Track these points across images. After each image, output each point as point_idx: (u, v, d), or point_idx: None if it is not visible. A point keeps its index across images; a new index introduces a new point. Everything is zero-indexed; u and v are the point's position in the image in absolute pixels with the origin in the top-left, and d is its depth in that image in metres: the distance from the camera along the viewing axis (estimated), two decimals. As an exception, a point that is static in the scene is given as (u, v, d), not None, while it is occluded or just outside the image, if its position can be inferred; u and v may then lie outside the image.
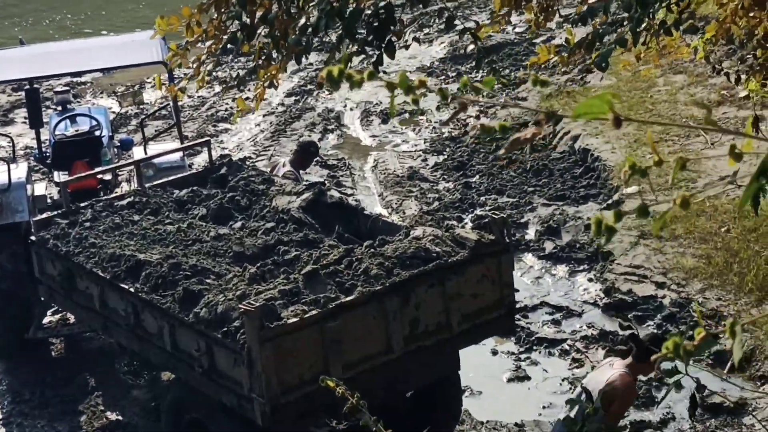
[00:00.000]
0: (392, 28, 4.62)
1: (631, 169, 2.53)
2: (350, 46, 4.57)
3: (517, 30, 24.04)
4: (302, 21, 4.29)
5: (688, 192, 2.77)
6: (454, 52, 24.04)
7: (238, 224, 10.98)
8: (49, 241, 10.93)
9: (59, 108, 15.16)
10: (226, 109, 21.75)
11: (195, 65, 4.64)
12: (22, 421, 11.82)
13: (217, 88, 23.35)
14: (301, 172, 12.68)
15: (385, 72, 23.04)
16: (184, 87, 4.59)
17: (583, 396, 7.94)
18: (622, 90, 19.02)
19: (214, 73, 20.04)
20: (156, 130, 16.56)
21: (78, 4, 33.57)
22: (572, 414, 6.62)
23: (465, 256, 9.52)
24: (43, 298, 11.92)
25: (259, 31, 4.52)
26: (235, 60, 25.01)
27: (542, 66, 5.60)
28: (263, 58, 4.50)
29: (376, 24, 4.62)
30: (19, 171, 12.87)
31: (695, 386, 5.22)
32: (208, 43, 4.74)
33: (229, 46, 4.77)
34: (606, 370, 8.61)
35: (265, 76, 3.90)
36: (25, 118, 17.27)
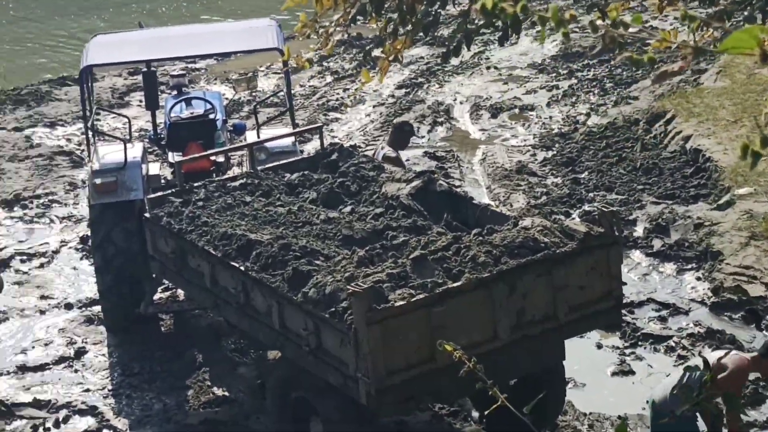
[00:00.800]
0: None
1: (743, 151, 2.54)
2: (477, 21, 4.57)
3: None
4: (432, -8, 4.37)
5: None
6: (566, 50, 23.93)
7: (348, 209, 11.09)
8: (163, 219, 11.14)
9: (175, 91, 15.43)
10: (336, 99, 21.92)
11: (323, 36, 4.73)
12: (131, 393, 12.09)
13: (329, 78, 23.55)
14: (400, 152, 12.83)
15: (496, 68, 22.86)
16: (311, 58, 4.67)
17: (702, 365, 7.93)
18: (736, 92, 18.78)
19: (326, 64, 20.13)
20: (268, 117, 16.75)
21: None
22: (686, 380, 6.60)
23: (573, 248, 9.50)
24: (154, 275, 12.15)
25: (387, 5, 4.57)
26: (348, 52, 25.19)
27: (664, 51, 5.56)
28: (390, 31, 4.56)
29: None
30: (135, 151, 13.12)
31: None
32: (336, 16, 4.81)
33: (358, 18, 4.84)
34: (725, 352, 8.72)
35: (391, 50, 3.96)
36: (141, 100, 17.59)
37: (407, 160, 18.00)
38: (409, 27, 4.57)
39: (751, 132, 16.60)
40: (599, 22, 2.61)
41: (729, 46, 2.43)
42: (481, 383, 3.81)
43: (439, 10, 4.65)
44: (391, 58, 3.95)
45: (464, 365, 3.79)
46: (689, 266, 13.88)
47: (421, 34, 3.99)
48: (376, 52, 5.95)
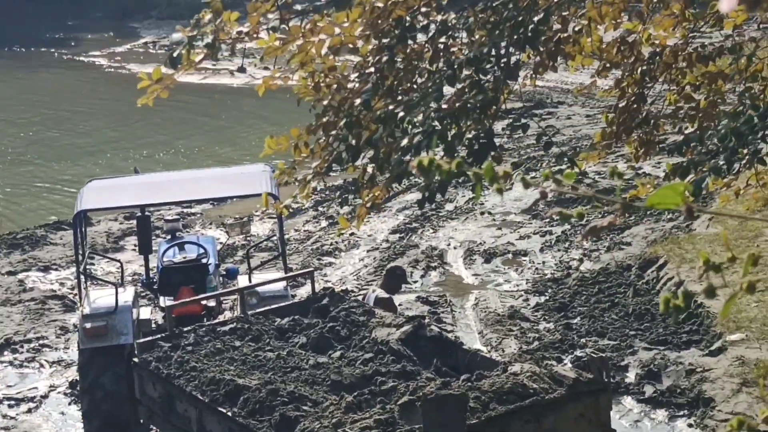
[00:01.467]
0: (492, 153, 4.73)
1: (705, 264, 2.60)
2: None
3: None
4: (404, 142, 4.44)
5: (755, 278, 2.82)
6: (560, 196, 24.14)
7: (338, 354, 11.08)
8: (152, 364, 11.11)
9: (168, 236, 15.54)
10: (331, 244, 22.03)
11: (301, 184, 4.81)
12: None
13: (324, 223, 23.69)
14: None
15: (490, 213, 23.00)
16: (289, 204, 4.74)
17: None
18: (729, 238, 18.88)
19: (321, 209, 20.27)
20: (262, 261, 16.83)
21: (190, 137, 34.50)
22: None
23: (562, 394, 9.48)
24: (142, 420, 12.07)
25: (363, 153, 4.67)
26: (344, 196, 25.40)
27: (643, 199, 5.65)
28: (367, 179, 4.65)
29: (476, 147, 4.75)
30: (126, 295, 13.17)
31: None
32: (315, 163, 4.91)
33: (334, 166, 4.94)
34: None
35: (368, 197, 4.02)
36: (135, 245, 17.69)
37: (400, 305, 18.03)
38: (387, 175, 4.66)
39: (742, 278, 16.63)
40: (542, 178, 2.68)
41: (655, 201, 2.50)
42: None
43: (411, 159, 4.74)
44: (368, 205, 4.02)
45: None
46: (681, 413, 13.79)
47: (395, 183, 4.07)
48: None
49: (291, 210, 5.90)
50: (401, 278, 13.36)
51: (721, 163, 5.25)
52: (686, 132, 5.45)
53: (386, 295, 12.68)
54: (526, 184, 2.66)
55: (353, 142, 4.87)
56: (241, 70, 7.14)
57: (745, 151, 5.78)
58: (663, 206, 2.46)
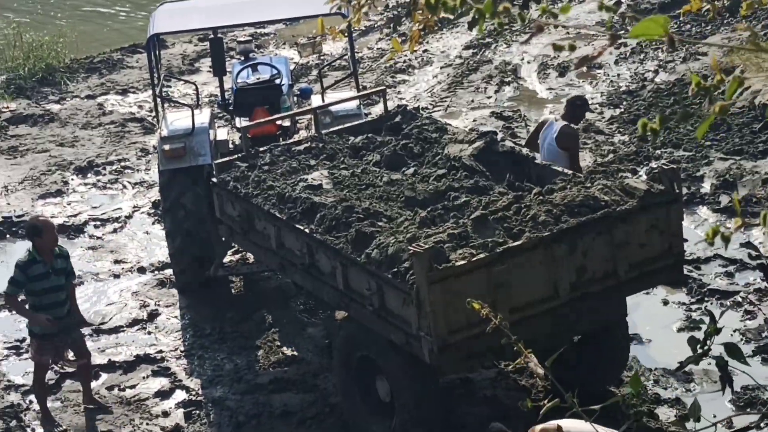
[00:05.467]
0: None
1: (696, 86, 2.73)
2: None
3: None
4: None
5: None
6: (636, 6, 23.72)
7: (411, 170, 11.22)
8: (230, 183, 11.35)
9: (242, 57, 15.61)
10: (404, 61, 21.99)
11: (355, 7, 4.81)
12: (203, 353, 12.37)
13: (399, 40, 23.58)
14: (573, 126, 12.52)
15: (564, 26, 23.10)
16: (344, 29, 4.76)
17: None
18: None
19: (397, 27, 20.14)
20: (335, 80, 16.90)
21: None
22: None
23: (633, 206, 9.56)
24: (223, 238, 12.39)
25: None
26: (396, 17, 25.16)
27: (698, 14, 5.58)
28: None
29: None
30: (203, 117, 13.33)
31: None
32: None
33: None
34: None
35: (419, 18, 4.00)
36: (210, 67, 17.81)
37: (474, 120, 18.09)
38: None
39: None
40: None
41: (639, 32, 2.55)
42: (506, 339, 3.94)
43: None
44: (420, 27, 4.02)
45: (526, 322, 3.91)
46: (757, 221, 13.78)
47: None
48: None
49: (345, 35, 5.89)
50: (581, 107, 12.80)
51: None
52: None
53: (568, 129, 12.20)
54: (521, 18, 2.73)
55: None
56: None
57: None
58: (646, 36, 2.53)
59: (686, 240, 10.62)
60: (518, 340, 3.98)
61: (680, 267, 10.05)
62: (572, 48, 2.88)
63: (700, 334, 5.00)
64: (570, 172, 10.69)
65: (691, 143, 16.22)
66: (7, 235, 15.81)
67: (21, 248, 15.41)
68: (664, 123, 2.71)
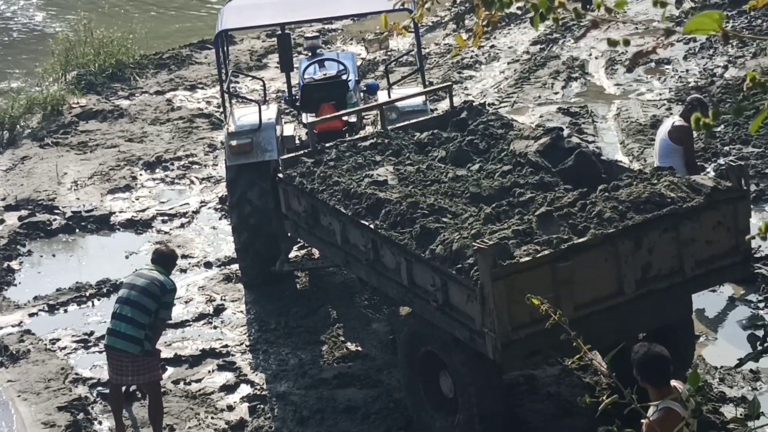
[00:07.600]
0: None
1: (751, 81, 2.68)
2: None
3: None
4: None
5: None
6: (704, 1, 23.51)
7: (476, 166, 11.21)
8: (296, 179, 11.42)
9: (309, 53, 15.69)
10: (471, 57, 21.96)
11: (419, 3, 4.80)
12: (267, 348, 12.46)
13: (464, 36, 23.59)
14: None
15: (632, 21, 22.63)
16: (407, 25, 4.77)
17: None
18: None
19: (462, 23, 20.09)
20: (401, 76, 16.93)
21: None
22: None
23: (700, 202, 9.49)
24: (288, 233, 12.47)
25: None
26: (459, 13, 25.14)
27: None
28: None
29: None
30: (270, 112, 13.41)
31: None
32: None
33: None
34: None
35: (484, 14, 3.99)
36: (277, 62, 17.89)
37: (541, 116, 18.03)
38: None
39: None
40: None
41: (693, 28, 2.54)
42: (566, 335, 3.93)
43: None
44: (483, 23, 4.01)
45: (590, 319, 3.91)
46: (826, 220, 13.67)
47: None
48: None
49: (410, 31, 5.89)
50: (699, 107, 12.83)
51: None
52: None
53: (682, 129, 12.58)
54: (577, 14, 2.72)
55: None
56: None
57: None
58: (700, 32, 2.52)
59: (754, 237, 10.49)
60: (578, 336, 3.97)
61: (748, 264, 9.97)
62: (626, 43, 2.88)
63: (761, 332, 4.96)
64: (637, 169, 10.62)
65: (760, 140, 16.05)
66: (77, 230, 16.01)
67: (90, 243, 15.70)
68: (716, 117, 2.69)
